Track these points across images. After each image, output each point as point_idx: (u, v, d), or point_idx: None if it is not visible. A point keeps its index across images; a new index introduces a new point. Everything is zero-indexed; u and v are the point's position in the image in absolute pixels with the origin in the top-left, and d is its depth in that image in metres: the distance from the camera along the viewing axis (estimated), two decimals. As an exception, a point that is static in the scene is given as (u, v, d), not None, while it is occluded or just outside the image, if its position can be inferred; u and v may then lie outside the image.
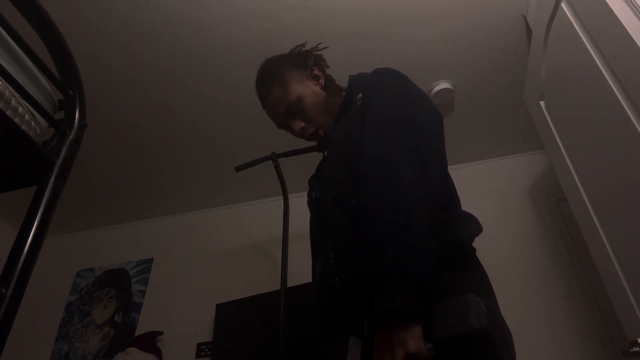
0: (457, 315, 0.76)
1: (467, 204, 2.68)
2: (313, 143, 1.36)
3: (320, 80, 1.30)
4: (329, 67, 1.38)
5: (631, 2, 1.19)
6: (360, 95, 1.09)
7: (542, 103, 1.82)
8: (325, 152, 1.32)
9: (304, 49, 1.37)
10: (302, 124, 1.25)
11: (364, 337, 0.85)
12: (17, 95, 0.80)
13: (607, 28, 1.24)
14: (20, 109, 0.81)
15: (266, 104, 1.29)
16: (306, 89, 1.25)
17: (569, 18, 1.45)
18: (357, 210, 0.89)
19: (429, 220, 0.83)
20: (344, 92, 1.31)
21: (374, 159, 0.90)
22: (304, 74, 1.28)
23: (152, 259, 2.95)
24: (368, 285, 0.79)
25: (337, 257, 0.97)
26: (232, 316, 2.43)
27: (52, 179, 0.83)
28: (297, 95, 1.23)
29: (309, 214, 1.25)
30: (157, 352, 2.46)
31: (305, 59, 1.32)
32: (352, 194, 0.95)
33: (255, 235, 2.80)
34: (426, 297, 0.77)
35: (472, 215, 1.07)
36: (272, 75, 1.28)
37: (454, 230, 0.96)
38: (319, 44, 1.38)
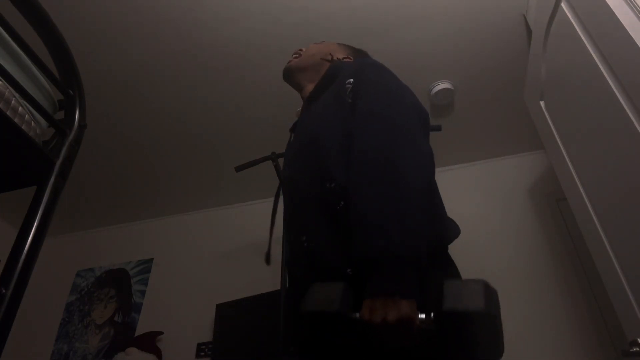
0: (468, 293, 0.73)
1: (467, 204, 2.68)
2: None
3: (336, 53, 1.39)
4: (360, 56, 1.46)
5: (631, 2, 1.19)
6: (351, 80, 1.09)
7: (542, 103, 1.82)
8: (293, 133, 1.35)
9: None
10: (298, 50, 1.41)
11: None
12: (17, 95, 0.80)
13: (607, 28, 1.24)
14: (20, 109, 0.81)
15: None
16: (321, 49, 1.39)
17: (569, 18, 1.45)
18: (351, 191, 0.88)
19: (425, 208, 0.84)
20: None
21: (372, 144, 0.90)
22: (344, 52, 1.40)
23: (152, 259, 2.95)
24: (361, 265, 0.80)
25: (311, 241, 0.97)
26: (232, 316, 2.43)
27: (52, 179, 0.83)
28: (320, 44, 1.41)
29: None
30: (157, 352, 2.46)
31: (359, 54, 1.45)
32: (328, 176, 0.96)
33: (255, 235, 2.80)
34: (421, 277, 0.78)
35: (451, 218, 1.09)
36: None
37: (441, 231, 0.98)
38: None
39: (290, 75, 1.37)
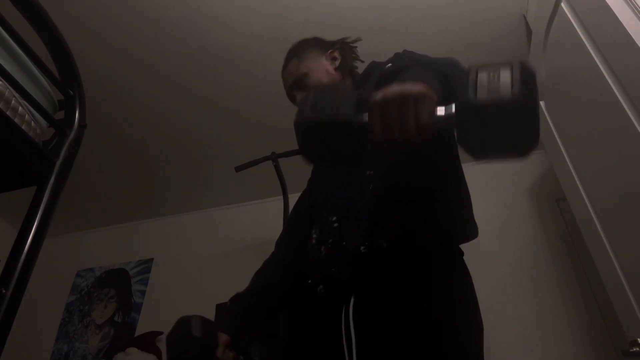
0: (498, 77, 0.60)
1: (467, 204, 2.62)
2: None
3: (336, 62, 1.33)
4: (361, 61, 1.40)
5: (631, 2, 1.19)
6: (390, 65, 1.13)
7: (542, 103, 1.82)
8: None
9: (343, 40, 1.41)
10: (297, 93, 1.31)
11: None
12: (17, 95, 0.79)
13: (607, 28, 1.24)
14: (20, 109, 0.81)
15: (283, 74, 1.36)
16: (318, 66, 1.30)
17: (569, 18, 1.45)
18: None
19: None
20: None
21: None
22: (323, 54, 1.33)
23: (152, 259, 2.95)
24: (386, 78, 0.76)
25: (340, 220, 1.03)
26: (232, 316, 2.42)
27: (52, 179, 0.83)
28: (307, 70, 1.29)
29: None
30: (157, 352, 2.46)
31: (333, 43, 1.37)
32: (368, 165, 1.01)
33: (255, 235, 2.80)
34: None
35: (475, 222, 1.10)
36: (295, 49, 1.36)
37: (457, 223, 1.01)
38: (357, 38, 1.43)
39: None
